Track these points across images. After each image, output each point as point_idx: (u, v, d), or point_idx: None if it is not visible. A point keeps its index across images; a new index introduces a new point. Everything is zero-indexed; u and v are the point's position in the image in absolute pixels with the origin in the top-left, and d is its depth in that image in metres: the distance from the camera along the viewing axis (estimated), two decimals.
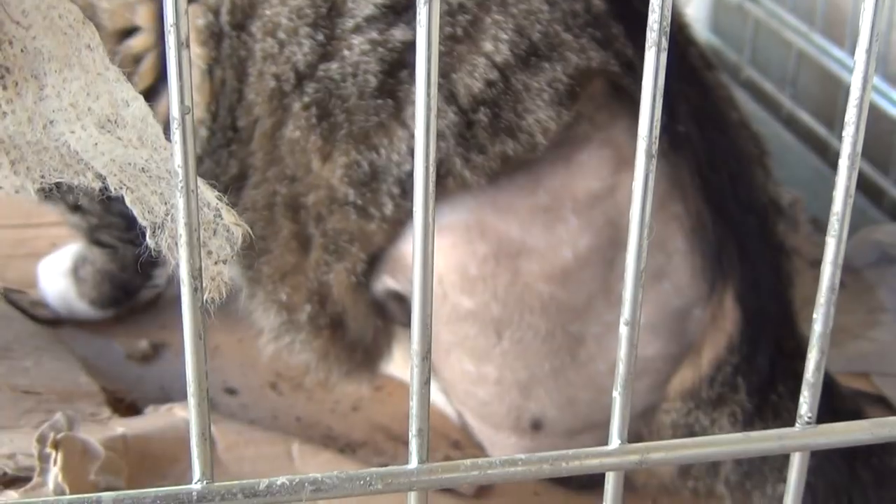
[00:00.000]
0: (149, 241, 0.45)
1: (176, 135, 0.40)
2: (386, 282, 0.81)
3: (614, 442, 0.48)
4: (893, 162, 1.17)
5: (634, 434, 0.83)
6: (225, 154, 0.83)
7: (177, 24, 0.39)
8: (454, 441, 0.95)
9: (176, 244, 0.44)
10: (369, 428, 0.96)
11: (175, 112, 0.40)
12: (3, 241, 1.11)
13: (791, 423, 0.77)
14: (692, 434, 0.81)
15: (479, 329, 0.79)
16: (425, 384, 0.45)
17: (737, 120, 0.84)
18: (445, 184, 0.76)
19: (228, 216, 0.44)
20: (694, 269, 0.79)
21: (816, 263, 1.14)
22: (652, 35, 0.42)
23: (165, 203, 0.44)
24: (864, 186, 1.19)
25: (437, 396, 0.97)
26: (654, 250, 0.77)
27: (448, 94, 0.76)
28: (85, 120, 0.41)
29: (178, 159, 0.41)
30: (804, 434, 0.49)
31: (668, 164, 0.77)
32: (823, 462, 0.78)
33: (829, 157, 1.24)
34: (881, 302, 1.08)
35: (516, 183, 0.76)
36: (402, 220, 0.78)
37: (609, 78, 0.76)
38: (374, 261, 0.80)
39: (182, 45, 0.39)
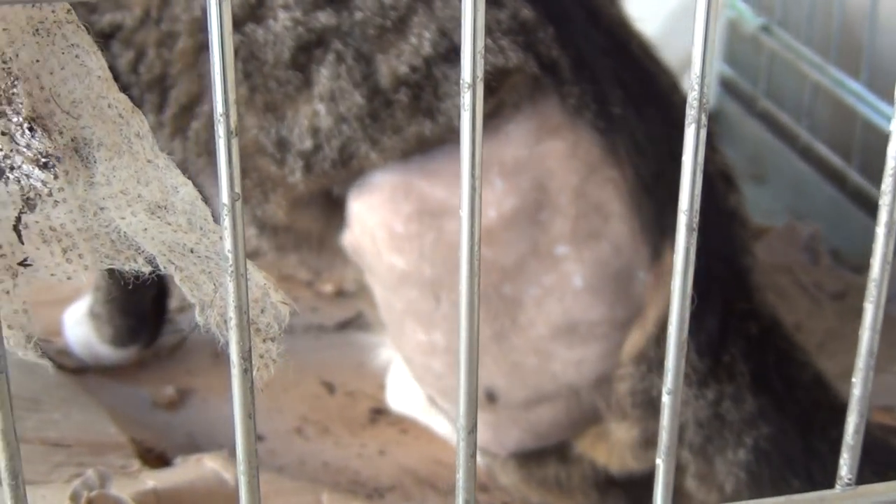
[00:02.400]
0: (198, 318, 0.45)
1: (226, 220, 0.41)
2: (346, 236, 0.86)
3: None
4: None
5: (590, 409, 0.85)
6: (151, 47, 0.88)
7: (226, 114, 0.40)
8: (481, 484, 0.95)
9: (225, 322, 0.44)
10: (397, 472, 0.96)
11: (225, 198, 0.41)
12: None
13: (746, 385, 0.80)
14: (650, 400, 0.82)
15: (418, 292, 0.83)
16: (471, 457, 0.46)
17: (680, 102, 0.87)
18: (350, 166, 0.82)
19: (276, 295, 0.45)
20: (633, 230, 0.80)
21: (838, 296, 1.15)
22: (692, 112, 0.43)
23: (214, 282, 0.44)
24: None
25: (449, 434, 0.98)
26: (590, 212, 0.80)
27: (360, 77, 0.81)
28: (135, 206, 0.42)
29: (228, 244, 0.41)
30: (844, 496, 0.49)
31: (602, 139, 0.81)
32: (779, 435, 0.80)
33: (847, 188, 1.24)
34: None
35: (444, 150, 0.81)
36: (320, 182, 0.83)
37: (530, 75, 0.81)
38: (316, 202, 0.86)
39: (231, 133, 0.40)
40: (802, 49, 1.30)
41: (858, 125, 1.22)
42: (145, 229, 0.42)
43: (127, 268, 0.43)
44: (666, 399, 0.47)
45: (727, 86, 1.44)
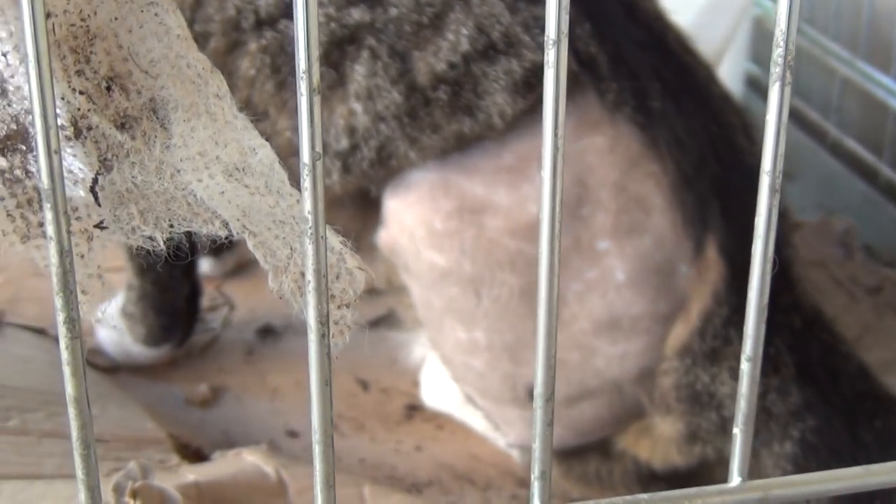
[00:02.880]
0: (271, 284, 0.44)
1: (306, 181, 0.40)
2: (382, 235, 0.85)
3: (735, 480, 0.47)
4: None
5: (633, 404, 0.84)
6: None
7: (308, 71, 0.39)
8: (520, 479, 0.94)
9: (299, 288, 0.44)
10: (434, 467, 0.95)
11: (306, 158, 0.40)
12: None
13: (791, 377, 0.80)
14: (695, 394, 0.81)
15: (459, 289, 0.82)
16: (549, 426, 0.45)
17: (718, 93, 0.87)
18: (389, 165, 0.81)
19: (352, 260, 0.44)
20: (675, 224, 0.80)
21: (873, 290, 1.14)
22: (776, 70, 0.42)
23: (289, 247, 0.44)
24: None
25: (486, 430, 0.97)
26: (632, 207, 0.79)
27: (397, 75, 0.80)
28: (213, 168, 0.41)
29: (308, 205, 0.41)
30: None
31: (642, 133, 0.81)
32: (825, 427, 0.79)
33: (879, 183, 1.24)
34: None
35: (482, 146, 0.81)
36: (357, 182, 0.82)
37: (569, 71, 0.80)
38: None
39: (314, 91, 0.39)
40: (830, 45, 1.29)
41: (890, 119, 1.21)
42: (222, 192, 0.42)
43: (204, 231, 0.42)
44: (745, 366, 0.46)
45: (754, 83, 1.44)
